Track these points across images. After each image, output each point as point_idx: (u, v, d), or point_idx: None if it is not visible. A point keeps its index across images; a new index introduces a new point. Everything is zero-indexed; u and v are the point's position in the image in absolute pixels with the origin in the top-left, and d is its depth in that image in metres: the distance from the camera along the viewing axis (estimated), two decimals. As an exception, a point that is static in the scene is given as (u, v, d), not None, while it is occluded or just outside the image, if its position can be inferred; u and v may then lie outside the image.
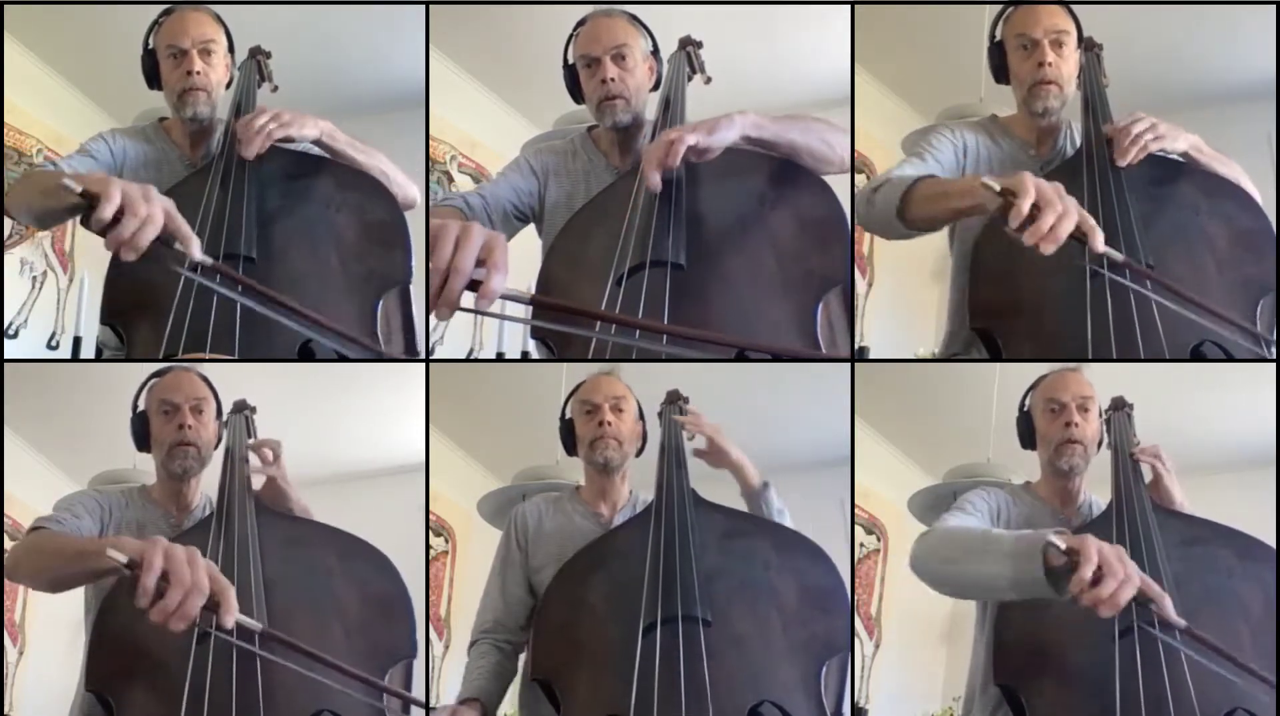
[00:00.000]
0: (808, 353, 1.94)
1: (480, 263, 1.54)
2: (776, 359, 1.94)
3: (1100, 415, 2.25)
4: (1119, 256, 1.85)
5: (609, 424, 2.29)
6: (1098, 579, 1.69)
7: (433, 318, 1.59)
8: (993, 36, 2.23)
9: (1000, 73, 2.24)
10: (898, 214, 2.00)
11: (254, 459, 2.20)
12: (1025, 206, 1.74)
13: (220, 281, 1.88)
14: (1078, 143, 2.21)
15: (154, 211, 1.70)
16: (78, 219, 1.77)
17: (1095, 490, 2.25)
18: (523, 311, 1.65)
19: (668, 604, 1.97)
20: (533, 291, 2.08)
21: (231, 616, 1.69)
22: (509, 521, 2.33)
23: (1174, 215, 2.07)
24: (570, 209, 2.17)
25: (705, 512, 2.13)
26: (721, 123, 1.98)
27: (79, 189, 1.70)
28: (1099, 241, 1.78)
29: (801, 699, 1.93)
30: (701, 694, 1.89)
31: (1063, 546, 1.71)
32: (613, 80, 2.18)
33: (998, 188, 1.77)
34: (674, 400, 2.33)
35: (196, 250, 1.73)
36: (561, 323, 1.82)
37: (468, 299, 1.56)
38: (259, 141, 2.08)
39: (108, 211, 1.69)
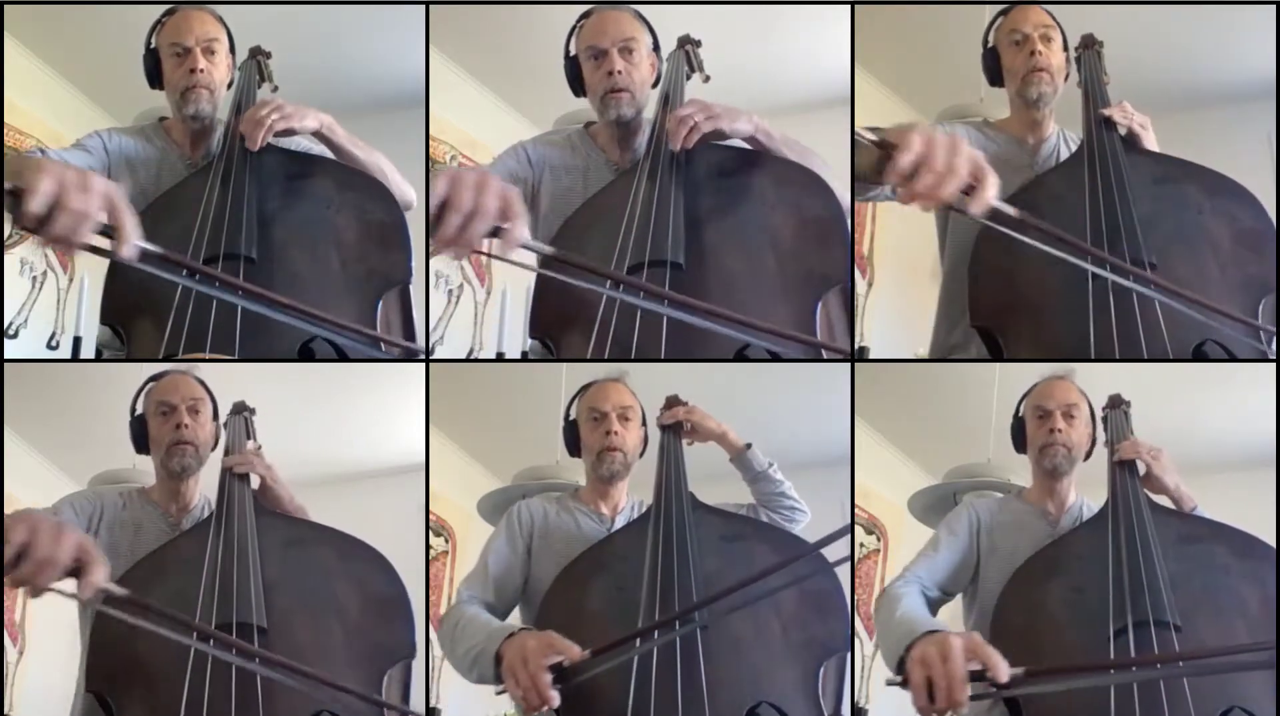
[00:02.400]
0: (806, 338, 1.95)
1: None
2: (777, 359, 1.94)
3: (1091, 420, 2.30)
4: (1011, 210, 1.76)
5: (616, 434, 2.29)
6: (915, 171, 1.65)
7: (446, 255, 1.70)
8: (986, 42, 2.31)
9: (994, 76, 2.31)
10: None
11: (240, 468, 2.19)
12: (904, 162, 1.65)
13: (219, 286, 1.88)
14: (1072, 147, 2.25)
15: (89, 205, 1.57)
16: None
17: (1094, 491, 2.25)
18: (531, 259, 1.76)
19: (667, 606, 1.97)
20: (531, 291, 2.09)
21: (89, 590, 1.65)
22: (511, 515, 2.31)
23: (1177, 214, 2.07)
24: (568, 204, 2.17)
25: (704, 516, 2.13)
26: (742, 116, 2.07)
27: (8, 186, 1.57)
28: (979, 204, 1.68)
29: (799, 700, 1.93)
30: (699, 696, 1.89)
31: (873, 137, 1.68)
32: (619, 73, 2.17)
33: (874, 139, 1.69)
34: (685, 43, 2.30)
35: (126, 246, 1.60)
36: (575, 278, 1.86)
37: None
38: (261, 132, 2.08)
39: (37, 204, 1.55)
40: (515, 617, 2.31)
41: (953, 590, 2.23)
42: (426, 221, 2.23)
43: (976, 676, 1.72)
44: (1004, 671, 1.71)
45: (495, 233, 1.67)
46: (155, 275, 1.75)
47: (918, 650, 1.76)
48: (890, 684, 1.76)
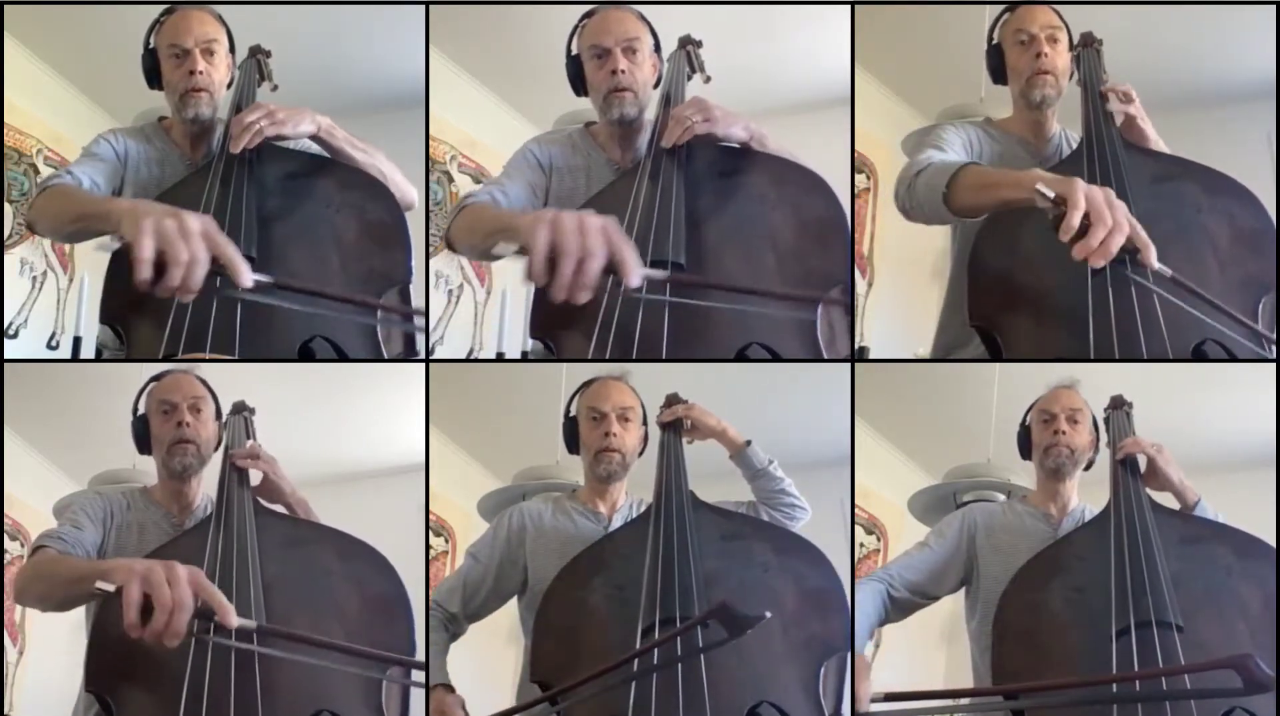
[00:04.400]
0: (806, 294, 1.97)
1: None
2: (777, 359, 1.94)
3: (1094, 428, 2.32)
4: (1168, 272, 1.85)
5: (615, 435, 2.28)
6: (1086, 227, 1.74)
7: (574, 297, 1.75)
8: (990, 39, 2.30)
9: (998, 74, 2.30)
10: (944, 200, 2.01)
11: (246, 465, 2.20)
12: (1076, 220, 1.74)
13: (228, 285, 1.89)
14: (1074, 146, 2.24)
15: (196, 251, 1.71)
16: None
17: (1096, 494, 2.25)
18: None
19: (667, 605, 1.97)
20: (531, 291, 2.09)
21: (231, 617, 1.71)
22: (500, 520, 2.31)
23: (1176, 213, 2.07)
24: (569, 204, 2.17)
25: (704, 515, 2.13)
26: (738, 123, 2.08)
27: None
28: (1152, 257, 1.79)
29: (800, 699, 1.93)
30: (700, 695, 1.89)
31: (1051, 193, 1.76)
32: (623, 72, 2.17)
33: (1052, 194, 1.77)
34: (686, 44, 2.30)
35: (244, 278, 1.78)
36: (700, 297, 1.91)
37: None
38: (246, 138, 2.07)
39: (144, 271, 1.69)
40: (513, 616, 2.32)
41: (930, 592, 2.24)
42: (427, 221, 2.23)
43: None
44: (864, 703, 1.83)
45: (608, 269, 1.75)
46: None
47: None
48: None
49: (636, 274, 1.76)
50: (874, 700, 1.80)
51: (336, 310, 1.98)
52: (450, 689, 2.12)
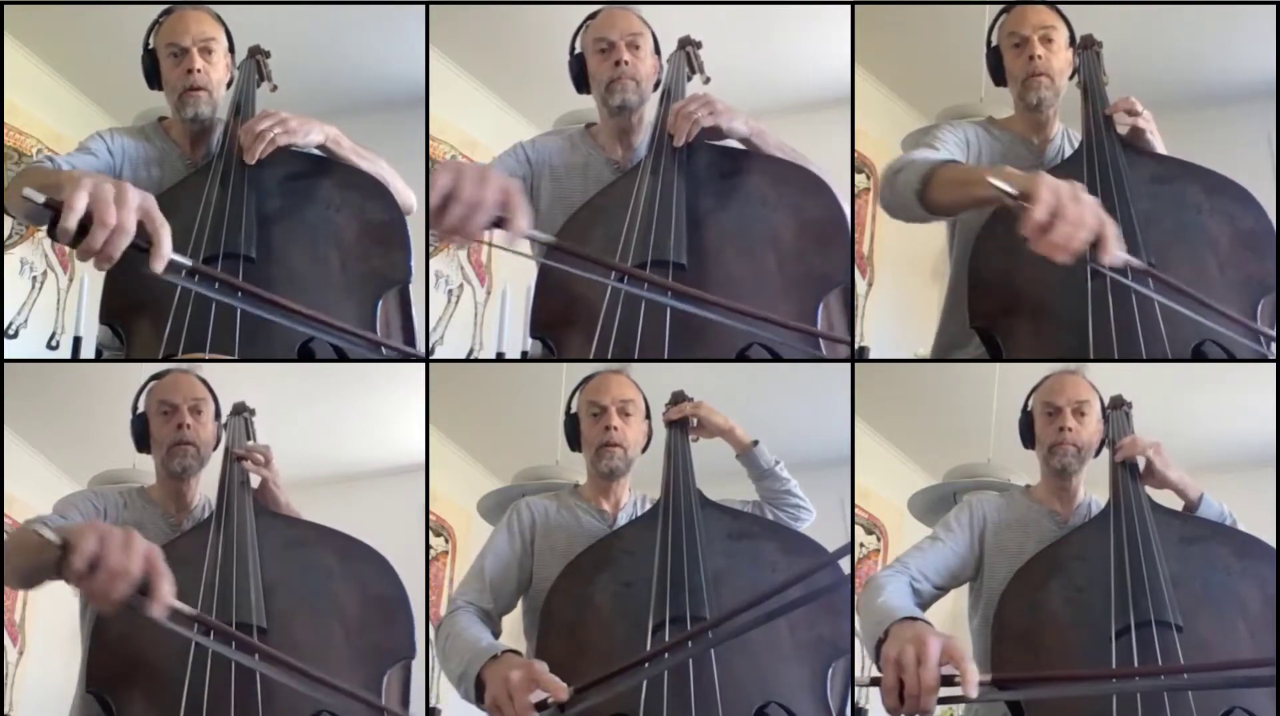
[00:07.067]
0: (807, 328, 1.96)
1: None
2: (778, 359, 1.94)
3: (1103, 416, 2.26)
4: (1138, 263, 1.83)
5: (615, 429, 2.25)
6: (1051, 224, 1.70)
7: (447, 239, 1.81)
8: (989, 43, 2.30)
9: (998, 76, 2.30)
10: (917, 196, 2.00)
11: (249, 465, 2.19)
12: (1041, 214, 1.70)
13: (219, 287, 1.88)
14: (1075, 145, 2.24)
15: (125, 220, 1.63)
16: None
17: (1094, 490, 2.25)
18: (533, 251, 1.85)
19: (676, 604, 1.96)
20: (531, 291, 2.09)
21: (159, 606, 1.65)
22: (511, 512, 2.29)
23: (1176, 214, 2.07)
24: (567, 203, 2.18)
25: (711, 513, 2.12)
26: (739, 117, 2.09)
27: (43, 199, 1.63)
28: (1108, 255, 1.74)
29: (808, 700, 1.93)
30: (711, 695, 1.88)
31: (1012, 190, 1.72)
32: (626, 62, 2.20)
33: (1013, 191, 1.73)
34: (686, 44, 2.31)
35: (159, 260, 1.68)
36: (579, 268, 1.92)
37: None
38: (260, 147, 2.07)
39: (71, 221, 1.62)
40: (517, 615, 2.31)
41: (946, 586, 2.20)
42: (427, 221, 2.23)
43: (949, 680, 1.71)
44: (974, 688, 1.70)
45: (498, 223, 1.75)
46: (155, 275, 1.75)
47: (894, 648, 1.74)
48: (866, 684, 1.76)
49: (518, 234, 1.77)
50: (982, 684, 1.71)
51: (335, 336, 1.97)
52: (518, 653, 1.97)
